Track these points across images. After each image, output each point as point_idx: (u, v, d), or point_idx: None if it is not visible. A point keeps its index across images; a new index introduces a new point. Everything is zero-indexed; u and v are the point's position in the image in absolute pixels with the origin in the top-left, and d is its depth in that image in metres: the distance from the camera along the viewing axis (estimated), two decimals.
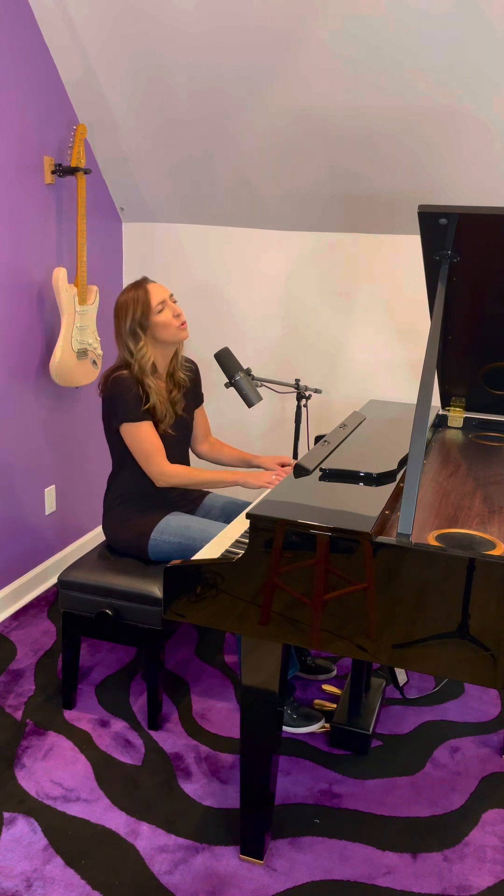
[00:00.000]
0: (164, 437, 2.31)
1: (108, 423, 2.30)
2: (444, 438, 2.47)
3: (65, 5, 2.53)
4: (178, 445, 2.40)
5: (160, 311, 2.26)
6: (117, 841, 1.86)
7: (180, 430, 2.41)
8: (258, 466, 2.50)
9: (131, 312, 2.25)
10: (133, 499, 2.35)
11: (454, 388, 2.52)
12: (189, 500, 2.50)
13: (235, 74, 2.57)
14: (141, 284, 2.28)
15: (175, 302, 2.31)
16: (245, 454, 2.57)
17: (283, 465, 2.45)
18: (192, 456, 2.63)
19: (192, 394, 2.48)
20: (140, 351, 2.25)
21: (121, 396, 2.22)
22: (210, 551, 1.86)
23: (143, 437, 2.24)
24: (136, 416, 2.23)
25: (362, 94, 2.49)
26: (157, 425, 2.28)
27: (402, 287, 3.04)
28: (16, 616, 2.88)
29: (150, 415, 2.26)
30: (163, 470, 2.26)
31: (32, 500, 2.99)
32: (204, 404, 2.58)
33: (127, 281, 3.44)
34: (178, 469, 2.28)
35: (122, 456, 2.33)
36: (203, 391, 2.57)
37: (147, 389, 2.25)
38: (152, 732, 2.25)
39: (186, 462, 2.48)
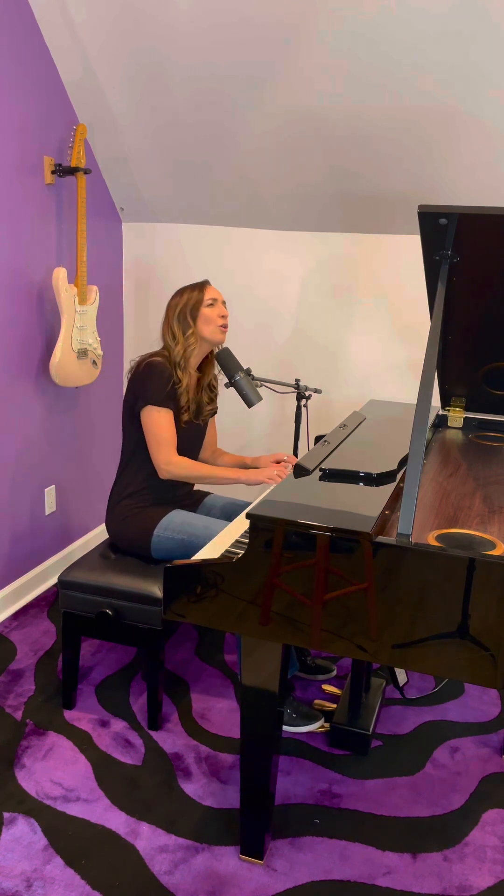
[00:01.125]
0: (181, 430, 2.34)
1: (130, 407, 2.33)
2: (444, 438, 2.47)
3: (65, 5, 2.53)
4: (188, 447, 2.42)
5: (210, 305, 2.36)
6: (117, 841, 1.86)
7: (194, 435, 2.45)
8: (257, 468, 2.51)
9: (185, 300, 2.36)
10: (138, 494, 2.36)
11: (454, 388, 2.52)
12: (191, 500, 2.51)
13: (235, 74, 2.57)
14: (201, 284, 2.40)
15: (225, 306, 2.42)
16: (242, 459, 2.59)
17: (279, 462, 2.45)
18: None
19: (212, 405, 2.54)
20: (188, 338, 2.33)
21: (151, 379, 2.27)
22: (210, 551, 1.86)
23: (162, 424, 2.28)
24: (161, 402, 2.27)
25: (362, 94, 2.49)
26: (178, 416, 2.33)
27: (402, 287, 3.04)
28: (16, 616, 2.88)
29: (174, 404, 2.31)
30: (170, 459, 2.28)
31: (32, 500, 2.99)
32: (216, 415, 2.62)
33: (127, 281, 3.44)
34: (183, 461, 2.30)
35: (134, 446, 2.36)
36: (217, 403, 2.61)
37: (178, 379, 2.31)
38: (152, 732, 2.25)
39: None
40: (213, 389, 2.51)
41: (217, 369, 2.51)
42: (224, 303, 2.41)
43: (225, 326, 2.39)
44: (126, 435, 2.39)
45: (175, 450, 2.30)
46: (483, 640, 1.44)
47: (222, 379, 2.53)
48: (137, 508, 2.35)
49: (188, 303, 2.35)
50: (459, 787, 2.10)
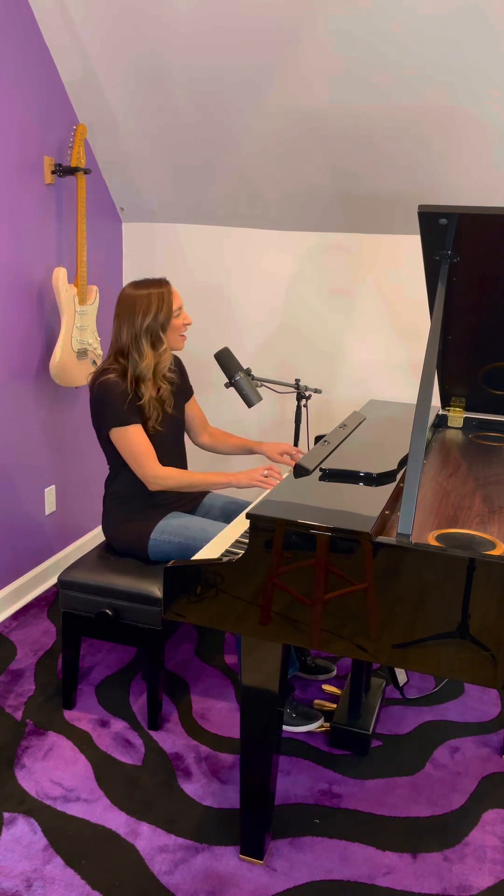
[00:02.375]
0: (155, 435, 2.28)
1: (97, 429, 2.28)
2: (444, 438, 2.47)
3: (65, 5, 2.53)
4: (171, 443, 2.38)
5: (177, 316, 2.26)
6: (117, 841, 1.86)
7: (172, 427, 2.38)
8: (260, 453, 2.49)
9: (154, 310, 2.21)
10: (131, 500, 2.35)
11: (454, 388, 2.52)
12: (188, 499, 2.50)
13: (235, 74, 2.57)
14: (164, 283, 2.26)
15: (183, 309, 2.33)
16: (248, 442, 2.56)
17: (284, 453, 2.44)
18: (194, 448, 2.64)
19: (181, 389, 2.44)
20: (160, 355, 2.23)
21: (108, 402, 2.19)
22: (210, 551, 1.86)
23: (133, 441, 2.21)
24: (125, 420, 2.20)
25: (362, 95, 2.49)
26: (145, 424, 2.25)
27: (402, 287, 3.04)
28: (16, 616, 2.88)
29: (139, 416, 2.23)
30: (155, 473, 2.24)
31: (32, 500, 2.99)
32: (198, 402, 2.57)
33: (127, 281, 3.43)
34: (170, 472, 2.26)
35: (116, 459, 2.31)
36: (196, 389, 2.55)
37: (140, 394, 2.22)
38: (152, 732, 2.25)
39: (183, 459, 2.47)
40: (165, 378, 2.31)
41: (215, 367, 2.44)
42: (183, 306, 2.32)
43: (184, 335, 2.31)
44: (104, 450, 2.33)
45: (156, 461, 2.24)
46: (483, 640, 1.44)
47: (220, 379, 2.53)
48: (132, 512, 2.33)
49: (158, 317, 2.20)
50: (459, 787, 2.10)
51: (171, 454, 2.37)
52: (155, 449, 2.27)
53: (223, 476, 2.29)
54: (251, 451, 2.54)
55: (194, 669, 2.59)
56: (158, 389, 2.32)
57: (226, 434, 2.61)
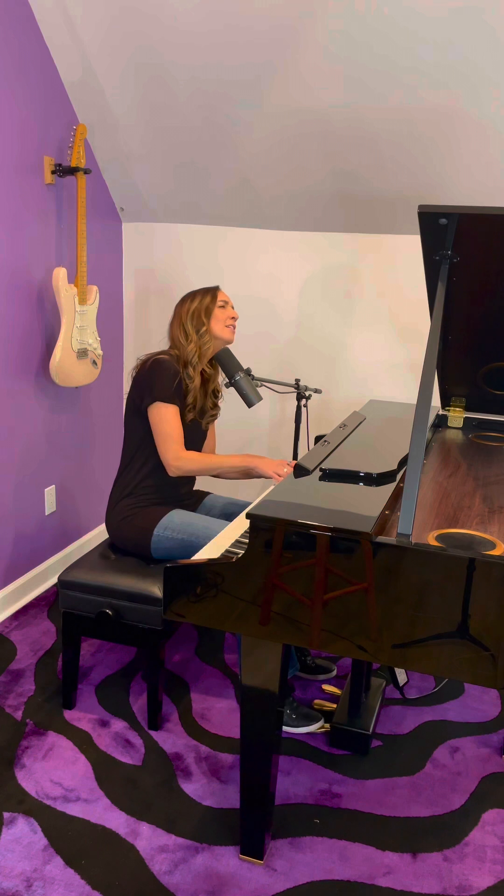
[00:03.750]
0: (185, 427, 2.36)
1: (135, 405, 2.34)
2: (444, 438, 2.47)
3: (64, 5, 2.53)
4: (189, 447, 2.42)
5: (221, 307, 2.44)
6: (117, 841, 1.86)
7: (195, 435, 2.46)
8: (258, 475, 2.49)
9: (198, 302, 2.42)
10: (139, 493, 2.37)
11: (454, 388, 2.52)
12: (191, 499, 2.51)
13: (235, 75, 2.57)
14: (213, 289, 2.47)
15: (233, 308, 2.50)
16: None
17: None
18: None
19: (213, 411, 2.57)
20: (202, 337, 2.38)
21: (159, 376, 2.29)
22: (210, 551, 1.87)
23: (170, 419, 2.30)
24: (169, 398, 2.29)
25: (362, 95, 2.49)
26: (183, 413, 2.35)
27: (402, 287, 3.04)
28: (16, 616, 2.88)
29: (181, 401, 2.33)
30: (178, 454, 2.30)
31: (32, 500, 2.99)
32: (216, 421, 2.65)
33: (127, 281, 3.44)
34: (192, 454, 2.33)
35: (137, 444, 2.37)
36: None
37: (188, 377, 2.34)
38: (152, 732, 2.25)
39: None
40: (216, 395, 2.55)
41: (221, 376, 2.52)
42: (233, 306, 2.49)
43: (234, 327, 2.45)
44: (129, 433, 2.40)
45: (183, 445, 2.32)
46: (483, 640, 1.44)
47: (220, 379, 2.53)
48: (137, 508, 2.35)
49: (201, 305, 2.41)
50: (459, 787, 2.10)
51: None
52: None
53: (244, 458, 2.35)
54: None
55: (194, 669, 2.59)
56: (206, 394, 2.47)
57: None
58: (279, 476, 2.28)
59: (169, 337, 2.45)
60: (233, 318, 2.45)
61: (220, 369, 2.51)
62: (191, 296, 2.45)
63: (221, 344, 2.46)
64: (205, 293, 2.44)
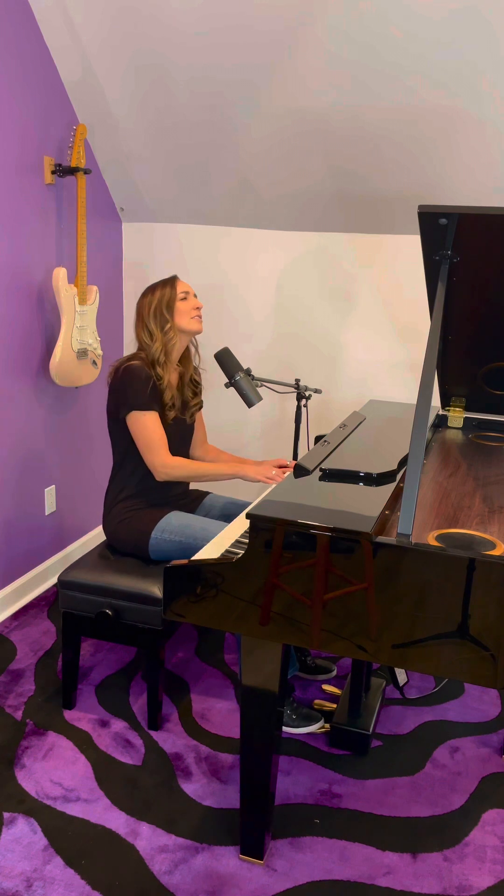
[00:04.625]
0: (167, 426, 2.33)
1: (114, 414, 2.31)
2: (444, 438, 2.47)
3: (64, 5, 2.53)
4: (178, 446, 2.41)
5: (183, 299, 2.35)
6: (117, 841, 1.86)
7: (182, 431, 2.43)
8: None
9: (157, 297, 2.34)
10: (134, 497, 2.36)
11: (454, 388, 2.52)
12: (189, 499, 2.51)
13: (235, 75, 2.57)
14: (171, 280, 2.38)
15: (197, 297, 2.41)
16: (244, 462, 2.57)
17: (281, 467, 2.44)
18: None
19: (195, 401, 2.52)
20: (166, 333, 2.32)
21: (131, 385, 2.24)
22: (210, 551, 1.86)
23: (149, 427, 2.26)
24: (145, 405, 2.25)
25: (362, 95, 2.49)
26: (162, 414, 2.31)
27: (402, 287, 3.04)
28: (16, 616, 2.88)
29: (158, 405, 2.29)
30: (165, 461, 2.27)
31: (32, 500, 2.99)
32: (202, 409, 2.60)
33: (127, 281, 3.44)
34: (179, 461, 2.29)
35: (124, 451, 2.34)
36: (202, 397, 2.59)
37: (159, 377, 2.30)
38: (152, 732, 2.25)
39: None
40: (196, 384, 2.50)
41: (198, 362, 2.49)
42: (195, 295, 2.40)
43: (200, 316, 2.39)
44: (114, 440, 2.37)
45: (167, 450, 2.29)
46: (483, 640, 1.44)
47: (220, 379, 2.53)
48: (134, 511, 2.34)
49: (162, 299, 2.33)
50: (459, 787, 2.10)
51: (176, 454, 2.38)
52: None
53: (232, 467, 2.33)
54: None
55: (194, 669, 2.59)
56: (183, 386, 2.41)
57: (222, 452, 2.65)
58: (268, 479, 2.27)
59: (136, 338, 2.38)
60: (197, 308, 2.37)
61: (192, 359, 2.47)
62: (150, 290, 2.36)
63: (189, 338, 2.41)
64: (163, 286, 2.35)
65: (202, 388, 2.55)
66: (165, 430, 2.32)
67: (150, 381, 2.26)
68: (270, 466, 2.33)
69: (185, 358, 2.46)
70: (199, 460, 2.61)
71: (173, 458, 2.29)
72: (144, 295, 2.37)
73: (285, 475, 2.30)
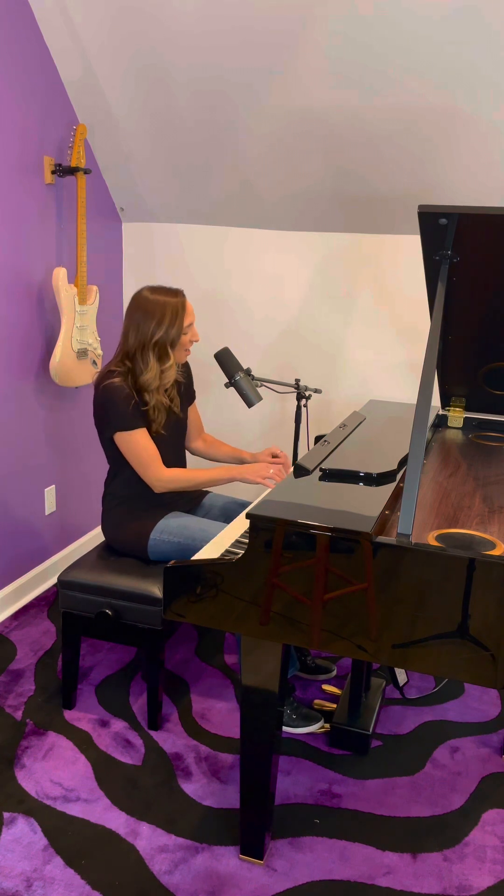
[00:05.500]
0: (157, 438, 2.29)
1: (100, 431, 2.28)
2: (444, 438, 2.47)
3: (64, 5, 2.53)
4: (173, 446, 2.39)
5: (186, 333, 2.26)
6: (117, 841, 1.86)
7: (174, 431, 2.40)
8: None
9: (167, 324, 2.19)
10: (131, 500, 2.35)
11: (454, 388, 2.52)
12: (188, 499, 2.50)
13: (235, 75, 2.57)
14: (180, 295, 2.25)
15: (194, 327, 2.33)
16: (240, 452, 2.56)
17: (274, 456, 2.43)
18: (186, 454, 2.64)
19: (186, 392, 2.48)
20: (164, 370, 2.22)
21: (112, 405, 2.18)
22: (210, 551, 1.86)
23: (138, 445, 2.21)
24: (129, 425, 2.19)
25: (362, 96, 2.49)
26: (150, 426, 2.26)
27: (402, 287, 3.04)
28: (16, 616, 2.88)
29: (143, 420, 2.23)
30: (160, 476, 2.24)
31: (32, 500, 2.99)
32: (197, 402, 2.57)
33: (127, 281, 3.44)
34: (174, 473, 2.26)
35: (117, 460, 2.32)
36: (196, 390, 2.56)
37: (145, 402, 2.23)
38: (152, 732, 2.25)
39: (182, 462, 2.47)
40: (178, 382, 2.38)
41: (215, 367, 2.46)
42: (194, 322, 2.31)
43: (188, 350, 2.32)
44: (105, 450, 2.33)
45: (160, 464, 2.24)
46: (483, 640, 1.44)
47: (220, 379, 2.53)
48: (132, 513, 2.33)
49: (169, 333, 2.20)
50: (459, 787, 2.10)
51: (172, 456, 2.38)
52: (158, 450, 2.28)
53: (228, 471, 2.30)
54: (243, 462, 2.53)
55: (194, 669, 2.59)
56: (167, 395, 2.32)
57: (219, 442, 2.63)
58: (265, 480, 2.25)
59: (122, 344, 2.25)
60: (194, 341, 2.30)
61: (172, 355, 2.31)
62: (158, 314, 2.19)
63: (174, 371, 2.29)
64: (174, 310, 2.20)
65: (192, 379, 2.48)
66: (157, 437, 2.28)
67: (132, 400, 2.18)
68: (266, 465, 2.31)
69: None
70: (198, 452, 2.60)
71: (168, 472, 2.25)
72: (151, 313, 2.20)
73: (283, 471, 2.31)
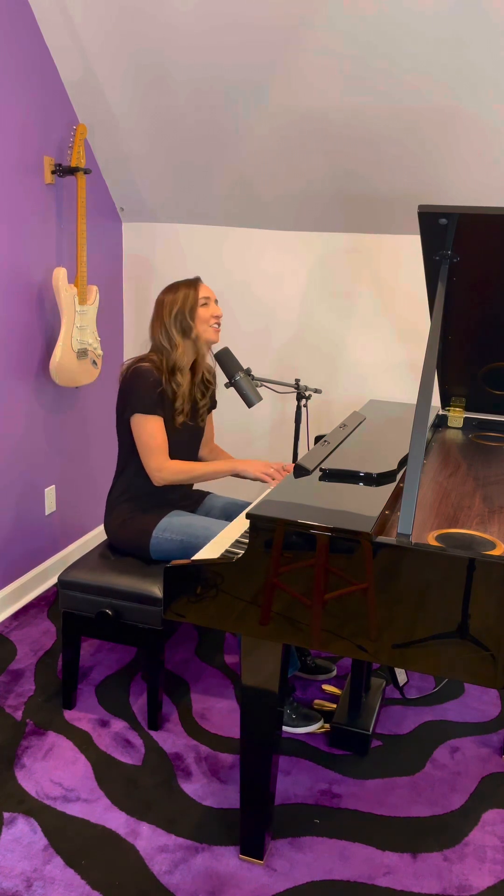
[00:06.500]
0: (177, 433, 2.32)
1: (120, 414, 2.31)
2: (444, 438, 2.47)
3: (64, 5, 2.53)
4: (187, 447, 2.41)
5: (204, 305, 2.32)
6: (117, 841, 1.86)
7: (192, 436, 2.43)
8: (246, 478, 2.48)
9: (181, 301, 2.30)
10: (136, 497, 2.36)
11: (454, 388, 2.52)
12: (191, 500, 2.51)
13: (236, 74, 2.57)
14: (193, 279, 2.35)
15: (216, 303, 2.38)
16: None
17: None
18: None
19: (210, 401, 2.52)
20: (193, 343, 2.30)
21: (137, 387, 2.24)
22: (210, 551, 1.86)
23: (151, 431, 2.25)
24: (149, 409, 2.24)
25: (362, 95, 2.49)
26: (173, 418, 2.30)
27: (402, 287, 3.04)
28: (16, 616, 2.88)
29: (163, 408, 2.27)
30: (161, 465, 2.26)
31: (32, 500, 2.99)
32: (213, 413, 2.59)
33: (127, 281, 3.44)
34: (175, 464, 2.28)
35: (129, 451, 2.34)
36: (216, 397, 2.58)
37: (176, 384, 2.29)
38: (152, 732, 2.25)
39: None
40: (207, 385, 2.47)
41: (213, 364, 2.47)
42: (216, 301, 2.38)
43: (218, 325, 2.36)
44: (121, 440, 2.37)
45: (167, 455, 2.27)
46: (483, 640, 1.44)
47: (220, 379, 2.53)
48: (135, 511, 2.34)
49: (185, 305, 2.29)
50: (459, 787, 2.10)
51: (183, 456, 2.38)
52: (171, 449, 2.30)
53: (228, 463, 2.32)
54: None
55: (194, 669, 2.59)
56: (193, 388, 2.38)
57: (225, 453, 2.65)
58: (266, 476, 2.26)
59: (151, 338, 2.35)
60: (216, 316, 2.34)
61: (206, 359, 2.42)
62: (171, 289, 2.32)
63: (206, 347, 2.37)
64: (187, 288, 2.31)
65: (215, 387, 2.52)
66: (174, 435, 2.31)
67: (158, 386, 2.24)
68: (267, 463, 2.32)
69: (196, 361, 2.41)
70: (203, 459, 2.61)
71: (169, 463, 2.27)
72: (165, 293, 2.33)
73: (281, 471, 2.31)
